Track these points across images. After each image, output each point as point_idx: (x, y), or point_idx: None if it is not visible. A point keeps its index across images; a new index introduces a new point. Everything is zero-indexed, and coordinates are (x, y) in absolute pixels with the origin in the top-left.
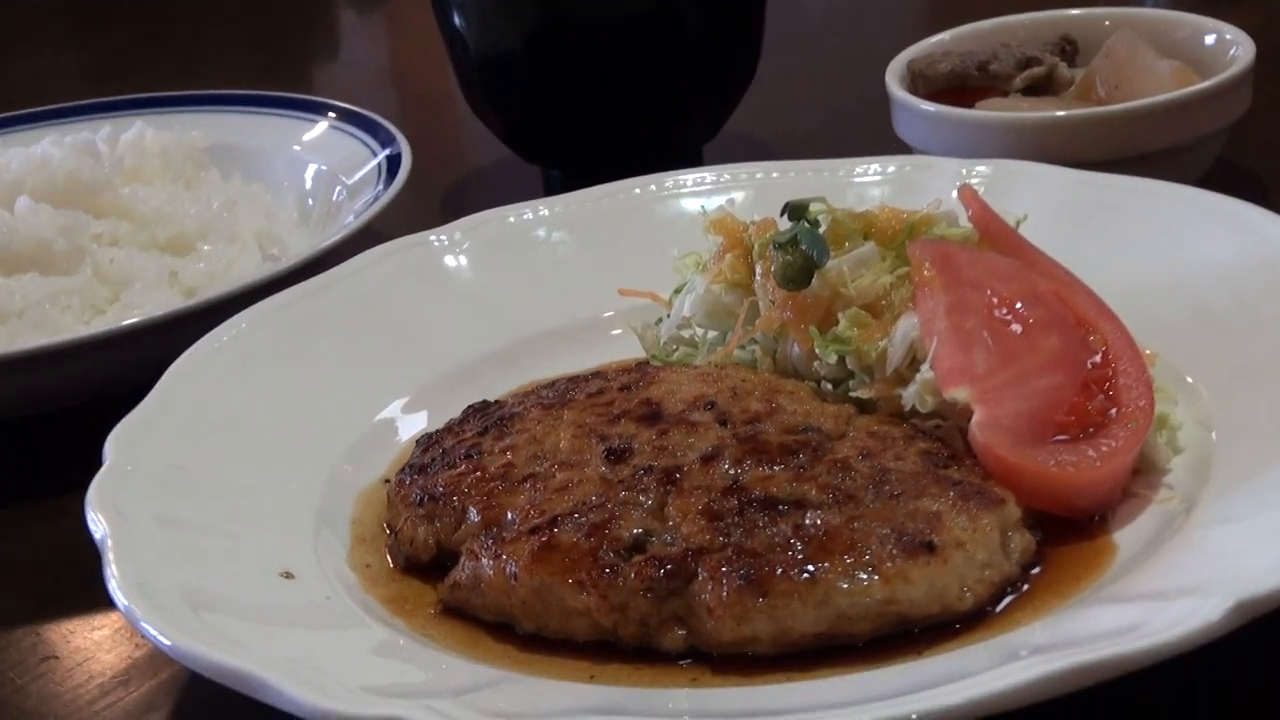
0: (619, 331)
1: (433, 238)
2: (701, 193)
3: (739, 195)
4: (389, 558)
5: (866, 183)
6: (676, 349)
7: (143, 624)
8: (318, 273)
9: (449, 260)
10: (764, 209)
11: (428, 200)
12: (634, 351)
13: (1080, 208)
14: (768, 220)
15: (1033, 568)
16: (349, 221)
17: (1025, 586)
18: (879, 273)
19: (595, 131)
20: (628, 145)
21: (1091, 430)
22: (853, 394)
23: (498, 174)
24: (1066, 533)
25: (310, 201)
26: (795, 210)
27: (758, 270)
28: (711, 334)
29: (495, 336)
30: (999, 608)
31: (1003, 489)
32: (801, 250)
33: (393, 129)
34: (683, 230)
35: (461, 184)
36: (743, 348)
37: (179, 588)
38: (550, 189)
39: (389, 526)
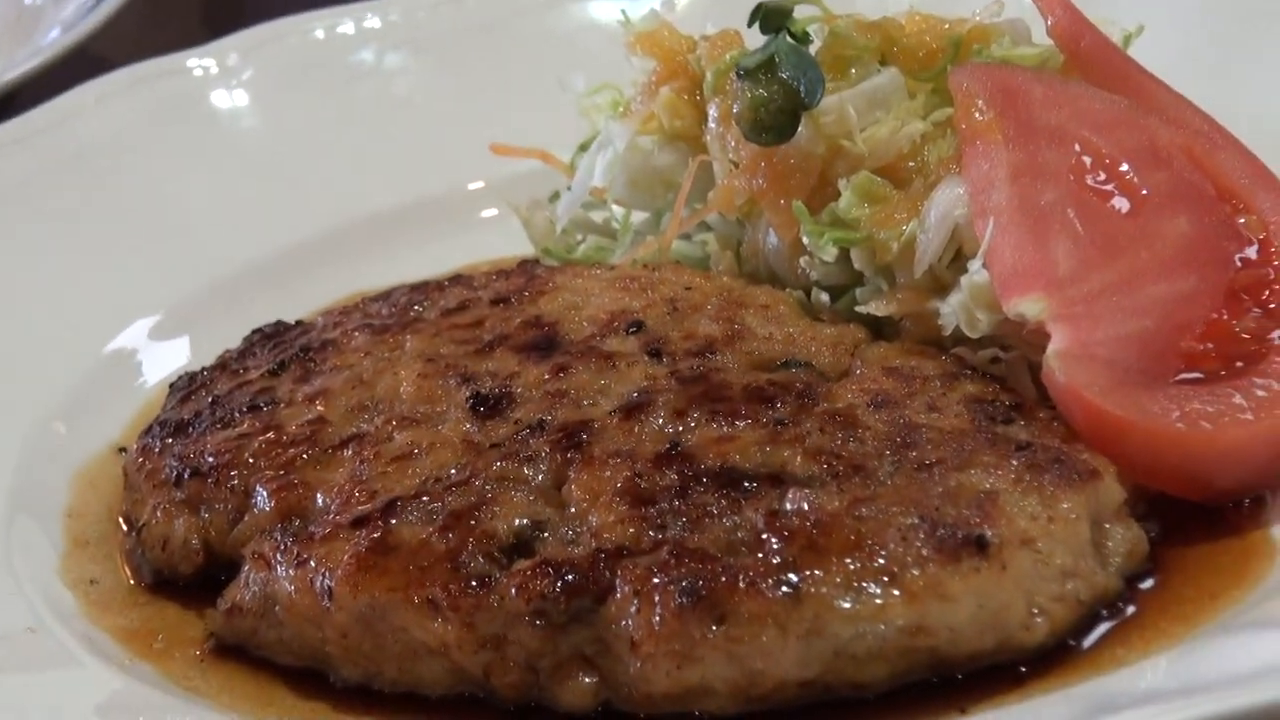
0: (491, 213)
1: (193, 64)
2: None
3: None
4: (126, 569)
5: None
6: (582, 239)
7: None
8: (4, 118)
9: (220, 99)
10: (721, 16)
11: (178, 4)
12: (515, 245)
13: (1228, 17)
14: (728, 34)
15: (1143, 579)
16: (53, 38)
17: (1130, 609)
18: (904, 116)
19: None
20: None
21: (1240, 364)
22: (861, 308)
23: None
24: (1197, 525)
25: None
26: (772, 16)
27: (712, 114)
28: (638, 216)
29: (295, 221)
30: (1088, 640)
31: (1096, 456)
32: (782, 81)
33: None
34: (591, 51)
35: None
36: (688, 236)
37: None
38: None
39: (127, 520)
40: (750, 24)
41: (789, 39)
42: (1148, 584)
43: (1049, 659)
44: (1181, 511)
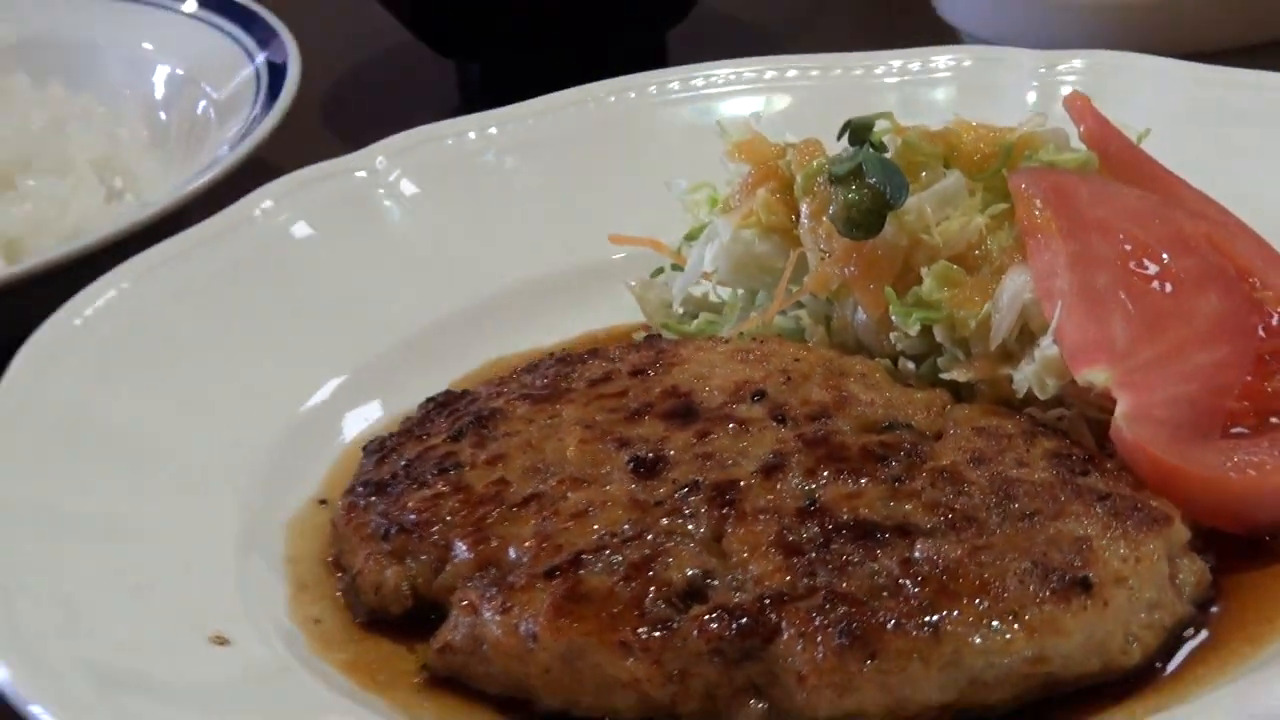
0: (605, 289)
1: (354, 168)
2: (699, 98)
3: (755, 102)
4: (348, 608)
5: (918, 82)
6: (694, 315)
7: (34, 709)
8: (193, 219)
9: (381, 198)
10: (798, 124)
11: (308, 111)
12: (626, 315)
13: (1209, 115)
14: (812, 143)
15: (1209, 605)
16: (224, 151)
17: (1204, 632)
18: (968, 212)
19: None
20: (564, 27)
21: (1274, 419)
22: (944, 375)
23: (393, 72)
24: (1245, 556)
25: (163, 116)
26: (858, 130)
27: (803, 210)
28: (739, 293)
29: (441, 298)
30: (1172, 664)
31: (1164, 502)
32: (870, 186)
33: (273, 21)
34: (682, 153)
35: (344, 86)
36: (783, 313)
37: (79, 661)
38: (468, 91)
39: (340, 566)
40: (839, 137)
41: (872, 149)
42: (1214, 610)
43: (1140, 678)
44: (1231, 544)
